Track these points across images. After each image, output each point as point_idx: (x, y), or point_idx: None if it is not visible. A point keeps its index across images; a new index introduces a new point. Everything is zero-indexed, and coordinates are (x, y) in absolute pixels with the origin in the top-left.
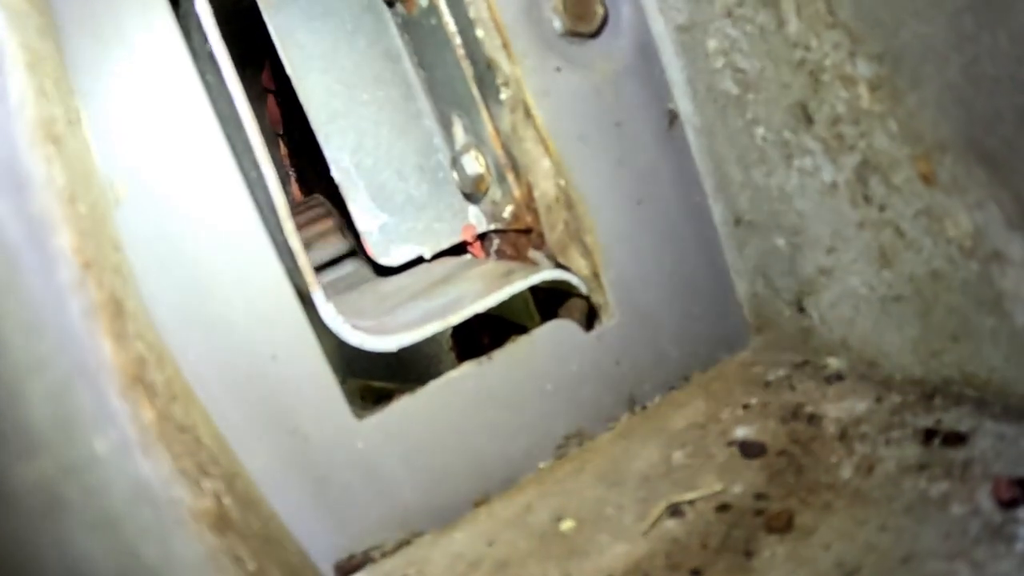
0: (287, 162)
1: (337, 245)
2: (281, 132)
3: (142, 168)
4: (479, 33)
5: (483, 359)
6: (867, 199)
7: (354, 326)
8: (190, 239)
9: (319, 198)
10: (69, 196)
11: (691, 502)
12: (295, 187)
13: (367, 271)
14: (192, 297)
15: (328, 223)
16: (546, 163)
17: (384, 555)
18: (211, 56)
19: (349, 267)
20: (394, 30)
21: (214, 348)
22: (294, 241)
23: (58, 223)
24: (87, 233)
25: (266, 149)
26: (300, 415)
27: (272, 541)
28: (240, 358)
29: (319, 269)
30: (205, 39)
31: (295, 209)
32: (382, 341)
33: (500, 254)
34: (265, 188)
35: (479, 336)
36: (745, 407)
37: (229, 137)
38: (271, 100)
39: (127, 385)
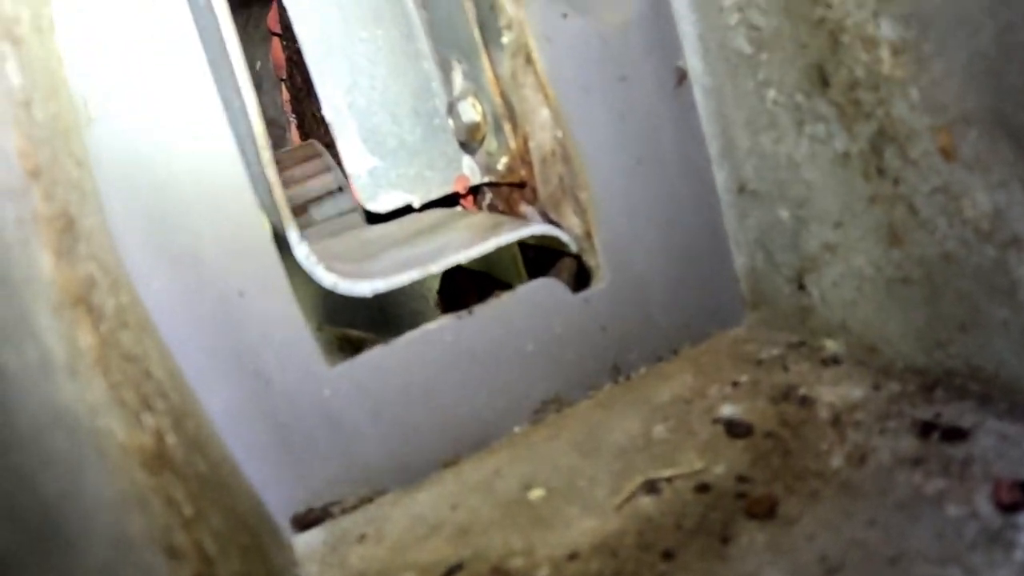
0: (288, 108)
1: (326, 184)
2: (284, 77)
3: (118, 88)
4: None
5: (463, 313)
6: (880, 172)
7: (328, 267)
8: (163, 164)
9: (313, 142)
10: (23, 99)
11: (669, 479)
12: (295, 133)
13: (358, 218)
14: (161, 225)
15: (317, 163)
16: (544, 113)
17: (344, 511)
18: None
19: (338, 211)
20: None
21: (179, 279)
22: (270, 172)
23: (5, 123)
24: (41, 141)
25: (248, 74)
26: (265, 357)
27: (221, 487)
28: (206, 292)
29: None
30: None
31: (288, 152)
32: (356, 285)
33: (492, 209)
34: (246, 117)
35: (467, 294)
36: (734, 384)
37: (213, 63)
38: (276, 43)
39: (65, 304)
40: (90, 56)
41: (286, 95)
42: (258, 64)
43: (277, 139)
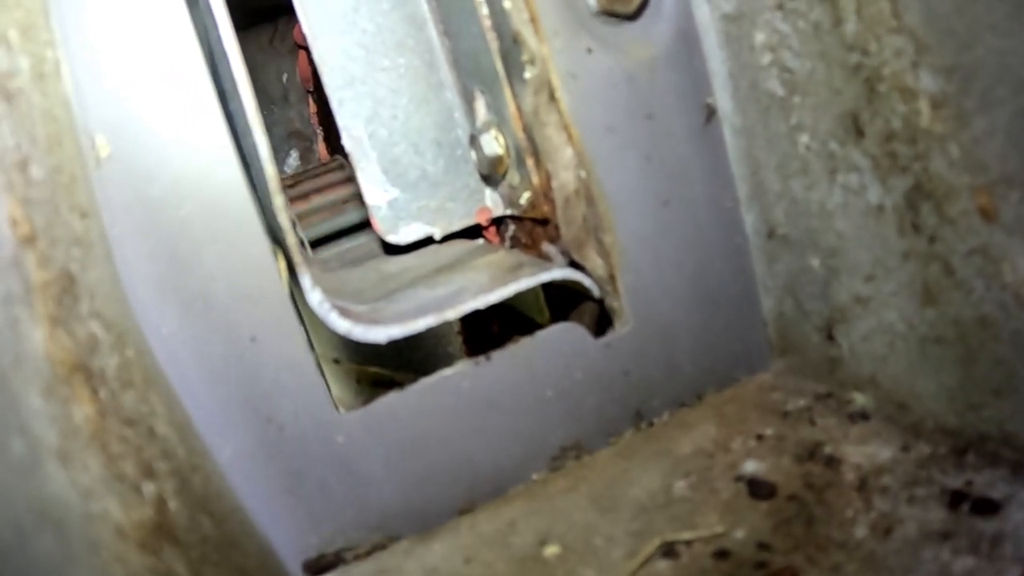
0: (315, 120)
1: (350, 215)
2: (311, 89)
3: (128, 126)
4: (506, 4)
5: (480, 359)
6: (916, 228)
7: (342, 313)
8: (174, 206)
9: (340, 160)
10: (17, 160)
11: (688, 543)
12: (322, 146)
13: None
14: (171, 268)
15: (344, 190)
16: (568, 152)
17: (357, 557)
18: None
19: (363, 238)
20: None
21: (190, 325)
22: (283, 218)
23: None
24: (39, 201)
25: (260, 116)
26: (277, 403)
27: (228, 546)
28: (217, 337)
29: (332, 237)
30: None
31: (315, 170)
32: (370, 332)
33: (515, 241)
34: (258, 158)
35: (488, 322)
36: (759, 438)
37: (226, 100)
38: (302, 56)
39: (60, 378)
40: (99, 94)
41: (313, 107)
42: (285, 77)
43: (304, 151)
